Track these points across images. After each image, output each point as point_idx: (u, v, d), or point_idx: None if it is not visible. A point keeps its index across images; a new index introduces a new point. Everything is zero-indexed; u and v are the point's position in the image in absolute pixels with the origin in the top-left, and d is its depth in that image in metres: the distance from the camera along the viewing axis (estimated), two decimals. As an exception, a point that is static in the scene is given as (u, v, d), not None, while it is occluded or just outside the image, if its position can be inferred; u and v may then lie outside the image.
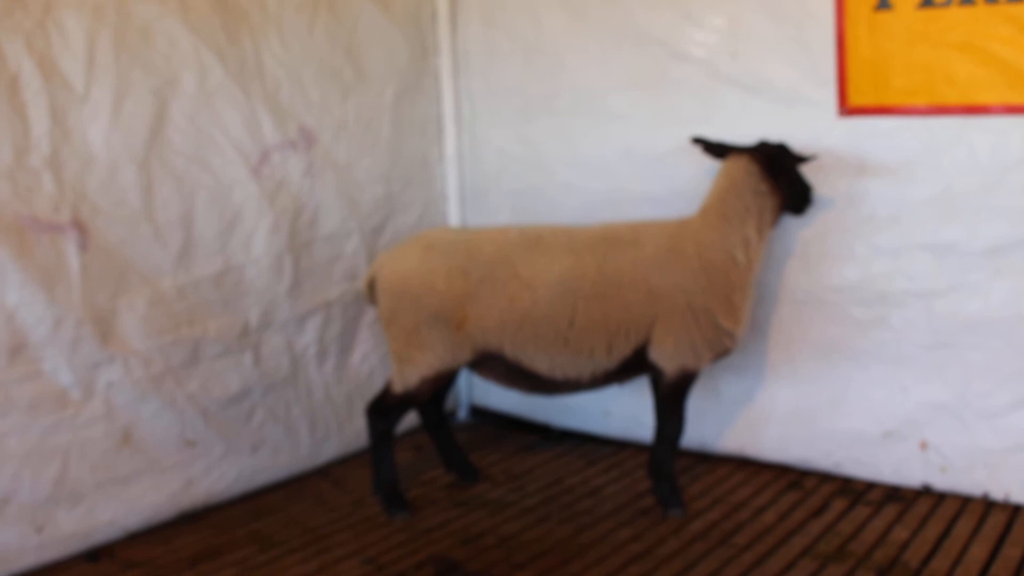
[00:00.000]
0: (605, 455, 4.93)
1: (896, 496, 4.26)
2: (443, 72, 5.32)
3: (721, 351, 4.17)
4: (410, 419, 5.03)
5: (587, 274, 4.05)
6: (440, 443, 4.67)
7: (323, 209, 4.77)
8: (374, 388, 4.91)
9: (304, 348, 4.75)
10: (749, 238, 4.11)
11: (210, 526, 4.23)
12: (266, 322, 4.56)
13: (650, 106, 4.74)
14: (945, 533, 3.91)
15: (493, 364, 4.20)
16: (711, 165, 4.35)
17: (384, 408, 4.26)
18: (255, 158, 4.46)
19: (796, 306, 4.51)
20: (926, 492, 4.29)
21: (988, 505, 4.13)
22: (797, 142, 4.26)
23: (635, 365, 4.16)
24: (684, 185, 4.57)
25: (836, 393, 4.46)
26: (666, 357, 4.09)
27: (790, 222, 4.41)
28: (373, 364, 5.05)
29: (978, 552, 3.73)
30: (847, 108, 4.25)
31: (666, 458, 4.21)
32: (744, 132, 4.33)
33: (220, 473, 4.41)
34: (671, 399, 4.16)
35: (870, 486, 4.38)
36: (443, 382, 4.27)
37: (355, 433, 4.94)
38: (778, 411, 4.62)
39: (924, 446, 4.29)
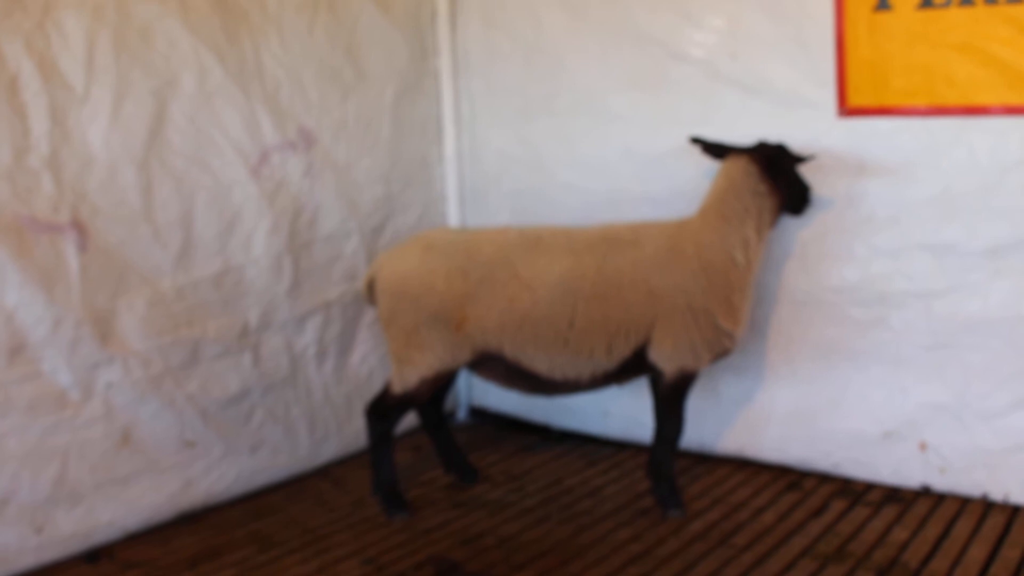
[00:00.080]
0: (604, 456, 4.93)
1: (895, 497, 4.27)
2: (443, 72, 5.32)
3: (720, 352, 4.17)
4: (409, 420, 5.03)
5: (587, 275, 4.05)
6: (439, 444, 4.67)
7: (322, 210, 4.77)
8: (373, 389, 4.91)
9: (303, 349, 4.75)
10: (748, 238, 4.11)
11: (209, 527, 4.23)
12: (265, 323, 4.56)
13: (650, 106, 4.74)
14: (944, 534, 3.91)
15: (493, 365, 4.20)
16: (710, 166, 4.35)
17: (383, 409, 4.26)
18: (255, 159, 4.46)
19: (795, 307, 4.51)
20: (925, 493, 4.29)
21: (987, 506, 4.13)
22: (796, 143, 4.26)
23: (635, 366, 4.16)
24: (684, 185, 4.57)
25: (835, 394, 4.46)
26: (666, 358, 4.09)
27: (789, 222, 4.41)
28: (372, 365, 5.06)
29: (977, 553, 3.73)
30: (846, 109, 4.25)
31: (665, 459, 4.22)
32: (743, 133, 4.33)
33: (219, 474, 4.41)
34: (670, 400, 4.16)
35: (869, 487, 4.38)
36: (442, 383, 4.27)
37: (354, 433, 4.94)
38: (777, 412, 4.63)
39: (923, 447, 4.29)
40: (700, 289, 4.04)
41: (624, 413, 5.01)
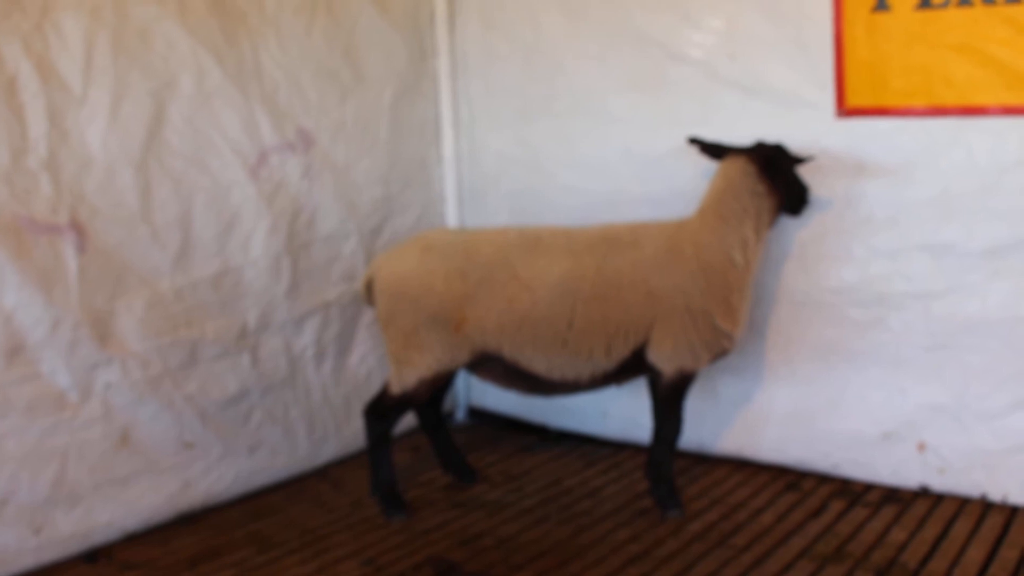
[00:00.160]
0: (603, 456, 4.93)
1: (894, 497, 4.27)
2: (441, 74, 5.32)
3: (719, 352, 4.17)
4: (408, 420, 5.03)
5: (586, 275, 4.05)
6: (438, 444, 4.67)
7: (321, 210, 4.77)
8: (372, 389, 4.91)
9: (302, 349, 4.75)
10: (747, 239, 4.11)
11: (208, 527, 4.23)
12: (264, 323, 4.56)
13: (649, 107, 4.74)
14: (943, 534, 3.91)
15: (491, 365, 4.20)
16: (709, 166, 4.35)
17: (382, 409, 4.26)
18: (253, 160, 4.46)
19: (794, 307, 4.51)
20: (924, 493, 4.29)
21: (986, 506, 4.13)
22: (795, 143, 4.26)
23: (633, 366, 4.16)
24: (683, 186, 4.57)
25: (834, 394, 4.46)
26: (664, 358, 4.09)
27: (788, 223, 4.41)
28: (371, 365, 5.06)
29: (976, 553, 3.73)
30: (845, 109, 4.25)
31: (664, 459, 4.21)
32: (743, 133, 4.33)
33: (218, 474, 4.41)
34: (669, 400, 4.16)
35: (868, 487, 4.38)
36: (441, 383, 4.27)
37: (353, 434, 4.94)
38: (776, 412, 4.63)
39: (922, 447, 4.29)
40: (699, 290, 4.04)
41: (623, 414, 5.01)
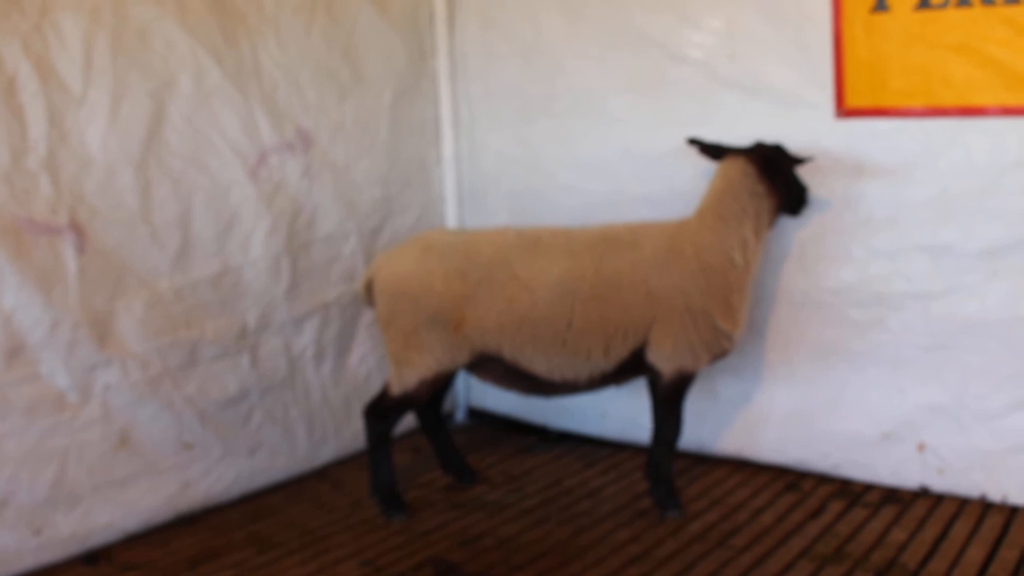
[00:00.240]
0: (603, 457, 4.93)
1: (894, 498, 4.27)
2: (441, 74, 5.32)
3: (719, 353, 4.17)
4: (408, 421, 5.03)
5: (585, 275, 4.05)
6: (438, 445, 4.66)
7: (321, 211, 4.76)
8: (372, 390, 4.91)
9: (302, 350, 4.75)
10: (747, 239, 4.11)
11: (208, 528, 4.23)
12: (264, 324, 4.56)
13: (648, 108, 4.74)
14: (943, 535, 3.91)
15: (491, 366, 4.20)
16: (709, 167, 4.35)
17: (382, 410, 4.26)
18: (253, 160, 4.46)
19: (793, 308, 4.51)
20: (924, 494, 4.29)
21: (986, 507, 4.13)
22: (795, 144, 4.26)
23: (633, 367, 4.16)
24: (683, 187, 4.57)
25: (834, 395, 4.46)
26: (664, 359, 4.09)
27: (787, 223, 4.42)
28: (371, 366, 5.05)
29: (975, 554, 3.73)
30: (844, 110, 4.25)
31: (664, 460, 4.21)
32: (742, 134, 4.33)
33: (218, 475, 4.41)
34: (669, 401, 4.16)
35: (868, 488, 4.38)
36: (441, 384, 4.27)
37: (353, 435, 4.94)
38: (776, 413, 4.63)
39: (922, 448, 4.29)
40: (698, 290, 4.04)
41: (622, 414, 5.01)
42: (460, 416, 5.58)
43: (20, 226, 3.72)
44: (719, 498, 4.37)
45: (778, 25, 4.35)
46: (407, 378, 4.17)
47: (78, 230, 3.88)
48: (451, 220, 5.41)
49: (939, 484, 4.27)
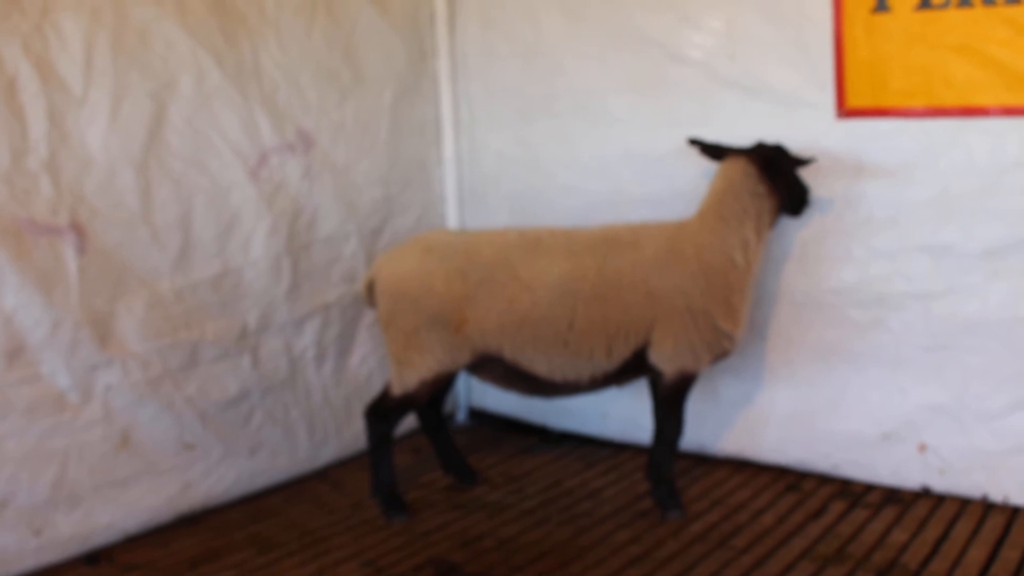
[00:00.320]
0: (604, 457, 4.93)
1: (895, 498, 4.26)
2: (441, 74, 5.32)
3: (720, 353, 4.17)
4: (408, 421, 5.02)
5: (586, 276, 4.05)
6: (439, 445, 4.66)
7: (321, 211, 4.76)
8: (373, 390, 4.91)
9: (302, 350, 4.75)
10: (747, 240, 4.11)
11: (209, 529, 4.22)
12: (264, 324, 4.56)
13: (649, 108, 4.74)
14: (944, 535, 3.90)
15: (492, 366, 4.20)
16: (709, 167, 4.35)
17: (383, 411, 4.26)
18: (253, 160, 4.46)
19: (794, 308, 4.51)
20: (925, 494, 4.29)
21: (987, 507, 4.13)
22: (795, 144, 4.26)
23: (634, 367, 4.15)
24: (683, 187, 4.57)
25: (834, 395, 4.46)
26: (665, 359, 4.08)
27: (788, 224, 4.41)
28: (372, 366, 5.05)
29: (977, 554, 3.73)
30: (845, 110, 4.25)
31: (665, 460, 4.21)
32: (743, 134, 4.33)
33: (218, 476, 4.41)
34: (670, 401, 4.16)
35: (869, 488, 4.38)
36: (442, 384, 4.27)
37: (353, 436, 4.93)
38: (777, 413, 4.62)
39: (923, 448, 4.29)
40: (699, 290, 4.04)
41: (623, 415, 5.01)
42: (461, 417, 5.58)
43: (21, 226, 3.72)
44: (720, 499, 4.37)
45: (779, 25, 4.35)
46: (408, 379, 4.17)
47: (79, 231, 3.88)
48: (452, 220, 5.41)
49: (940, 484, 4.27)
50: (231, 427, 4.46)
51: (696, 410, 4.62)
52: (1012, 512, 4.06)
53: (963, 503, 4.17)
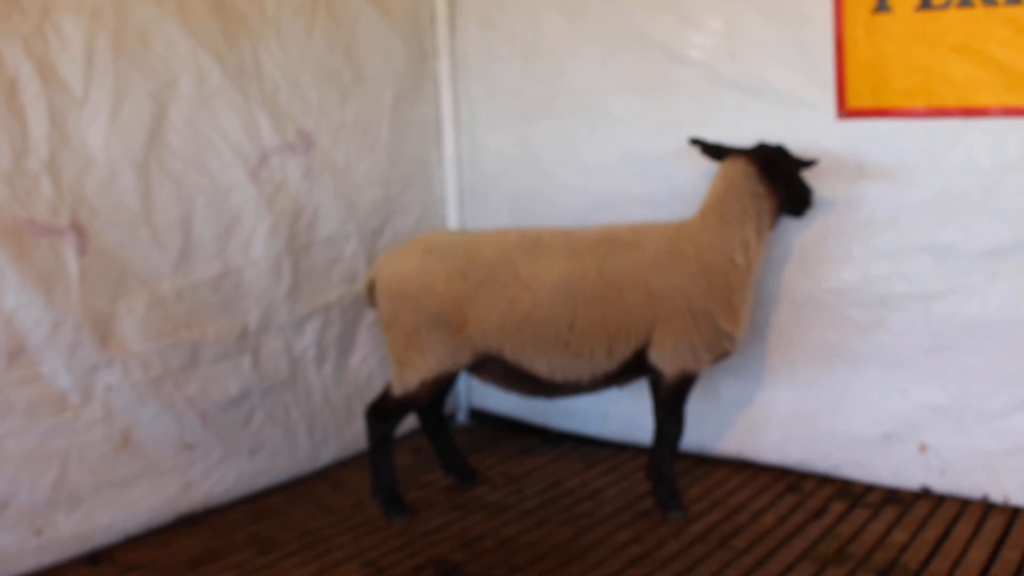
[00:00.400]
0: (604, 458, 4.92)
1: (895, 498, 4.26)
2: (442, 75, 5.32)
3: (720, 353, 4.17)
4: (409, 422, 5.02)
5: (587, 276, 4.05)
6: (439, 446, 4.66)
7: (322, 212, 4.76)
8: (373, 391, 4.91)
9: (303, 351, 4.75)
10: (748, 240, 4.11)
11: (209, 529, 4.23)
12: (265, 325, 4.56)
13: (649, 108, 4.74)
14: (944, 535, 3.90)
15: (493, 367, 4.20)
16: (710, 167, 4.35)
17: (383, 411, 4.26)
18: (253, 161, 4.46)
19: (795, 309, 4.51)
20: (925, 494, 4.29)
21: (987, 507, 4.12)
22: (796, 144, 4.26)
23: (635, 367, 4.15)
24: (684, 187, 4.57)
25: (835, 395, 4.46)
26: (666, 359, 4.08)
27: (789, 224, 4.41)
28: (372, 367, 5.05)
29: (977, 555, 3.73)
30: (846, 110, 4.25)
31: (665, 460, 4.21)
32: (743, 134, 4.33)
33: (219, 476, 4.41)
34: (671, 401, 4.16)
35: (869, 488, 4.38)
36: (443, 385, 4.27)
37: (354, 436, 4.93)
38: (777, 414, 4.62)
39: (923, 448, 4.29)
40: (700, 290, 4.04)
41: (623, 415, 5.01)
42: (461, 417, 5.58)
43: (21, 227, 3.72)
44: (720, 499, 4.37)
45: (779, 26, 4.35)
46: (409, 379, 4.17)
47: (79, 231, 3.89)
48: (452, 221, 5.41)
49: (940, 485, 4.27)
50: (232, 427, 4.46)
51: (697, 410, 4.62)
52: (1012, 512, 4.06)
53: (963, 503, 4.17)
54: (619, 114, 4.83)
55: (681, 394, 4.16)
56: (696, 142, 4.32)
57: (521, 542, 4.01)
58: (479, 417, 5.56)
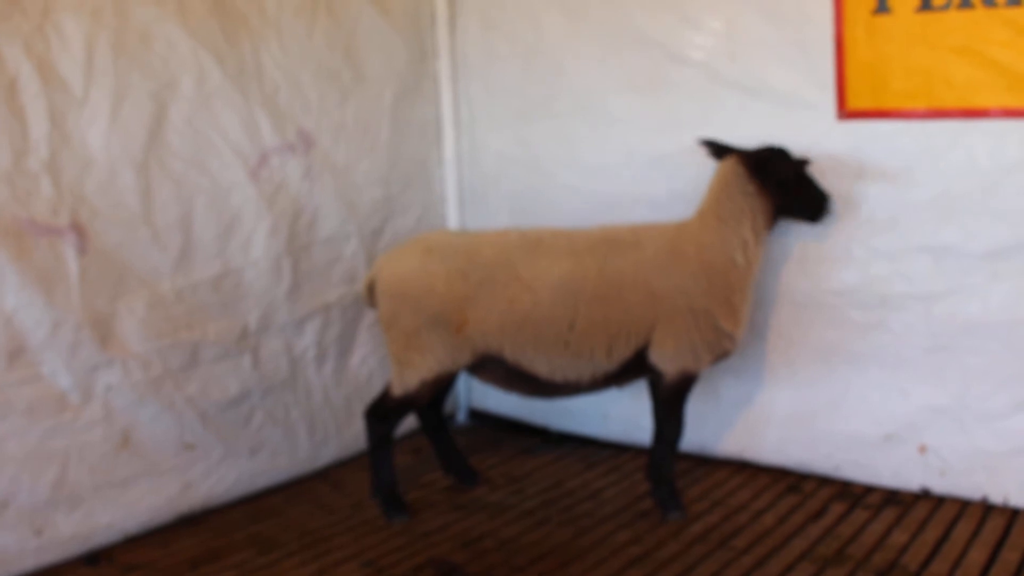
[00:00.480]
0: (604, 458, 4.93)
1: (895, 499, 4.26)
2: (442, 75, 5.32)
3: (721, 353, 4.17)
4: (409, 422, 5.02)
5: (588, 276, 4.05)
6: (439, 446, 4.66)
7: (322, 212, 4.76)
8: (373, 391, 4.91)
9: (303, 351, 4.75)
10: (746, 239, 4.11)
11: (209, 529, 4.23)
12: (265, 325, 4.56)
13: (649, 108, 4.74)
14: (944, 537, 3.91)
15: (493, 367, 4.20)
16: (710, 168, 4.34)
17: (383, 411, 4.26)
18: (254, 161, 4.46)
19: (795, 309, 4.51)
20: (925, 495, 4.29)
21: (987, 508, 4.13)
22: (796, 145, 4.25)
23: (635, 367, 4.16)
24: (684, 187, 4.56)
25: (835, 396, 4.46)
26: (666, 359, 4.09)
27: (789, 225, 4.40)
28: (372, 367, 5.05)
29: (977, 556, 3.73)
30: (846, 111, 4.25)
31: (665, 461, 4.21)
32: (743, 135, 4.32)
33: (219, 476, 4.41)
34: (671, 402, 4.16)
35: (869, 489, 4.38)
36: (443, 385, 4.27)
37: (354, 436, 4.93)
38: (777, 414, 4.62)
39: (923, 449, 4.29)
40: (701, 290, 4.04)
41: (624, 415, 5.01)
42: (461, 417, 5.58)
43: (21, 227, 3.72)
44: (720, 499, 4.37)
45: (779, 26, 4.35)
46: (408, 379, 4.17)
47: (79, 231, 3.89)
48: (452, 221, 5.41)
49: (940, 486, 4.27)
50: (232, 427, 4.46)
51: (697, 411, 4.62)
52: (1012, 514, 4.06)
53: (963, 504, 4.17)
54: (619, 114, 4.83)
55: (681, 394, 4.16)
56: (705, 143, 4.30)
57: (521, 542, 4.01)
58: (479, 417, 5.56)
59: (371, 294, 4.32)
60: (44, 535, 3.85)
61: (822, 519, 4.11)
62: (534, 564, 3.81)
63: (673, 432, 4.19)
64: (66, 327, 3.85)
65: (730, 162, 4.16)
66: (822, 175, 4.27)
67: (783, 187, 4.14)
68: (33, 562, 3.83)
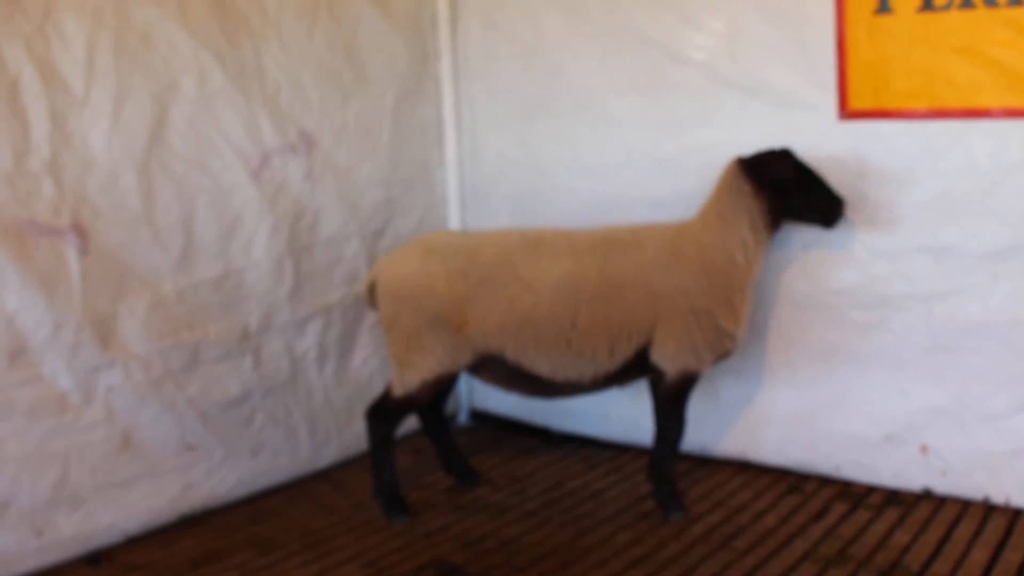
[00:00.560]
0: (605, 459, 4.92)
1: (896, 500, 4.26)
2: (443, 76, 5.32)
3: (722, 353, 4.17)
4: (410, 422, 5.02)
5: (588, 276, 4.05)
6: (440, 447, 4.66)
7: (323, 213, 4.77)
8: (374, 392, 4.90)
9: (304, 352, 4.75)
10: (746, 239, 4.11)
11: (210, 530, 4.22)
12: (266, 326, 4.56)
13: (650, 109, 4.74)
14: (946, 537, 3.90)
15: (494, 367, 4.20)
16: (710, 168, 4.34)
17: (384, 412, 4.26)
18: (255, 162, 4.47)
19: (795, 309, 4.51)
20: (926, 496, 4.28)
21: (988, 509, 4.12)
22: (797, 146, 4.25)
23: (636, 367, 4.16)
24: (684, 188, 4.57)
25: (836, 396, 4.46)
26: (668, 359, 4.09)
27: (789, 225, 4.39)
28: (373, 368, 5.05)
29: (979, 556, 3.73)
30: (847, 111, 4.25)
31: (666, 461, 4.21)
32: (744, 135, 4.33)
33: (220, 477, 4.41)
34: (672, 402, 4.16)
35: (870, 490, 4.38)
36: (444, 385, 4.27)
37: (355, 437, 4.93)
38: (778, 414, 4.62)
39: (924, 449, 4.29)
40: (702, 290, 4.04)
41: (624, 416, 5.00)
42: (462, 418, 5.58)
43: (23, 227, 3.72)
44: (721, 500, 4.36)
45: (780, 26, 4.35)
46: (409, 380, 4.17)
47: (80, 232, 3.89)
48: (454, 222, 5.41)
49: (942, 486, 4.26)
50: (233, 428, 4.46)
51: (697, 411, 4.62)
52: (1014, 514, 4.06)
53: (965, 505, 4.17)
54: (620, 115, 4.83)
55: (682, 394, 4.16)
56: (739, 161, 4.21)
57: (523, 543, 4.01)
58: (480, 418, 5.56)
59: (372, 295, 4.32)
60: (45, 536, 3.85)
61: (823, 519, 4.11)
62: (535, 565, 3.81)
63: (674, 432, 4.19)
64: (67, 328, 3.85)
65: (732, 162, 4.17)
66: (823, 176, 4.27)
67: (780, 188, 4.11)
68: (34, 563, 3.83)
